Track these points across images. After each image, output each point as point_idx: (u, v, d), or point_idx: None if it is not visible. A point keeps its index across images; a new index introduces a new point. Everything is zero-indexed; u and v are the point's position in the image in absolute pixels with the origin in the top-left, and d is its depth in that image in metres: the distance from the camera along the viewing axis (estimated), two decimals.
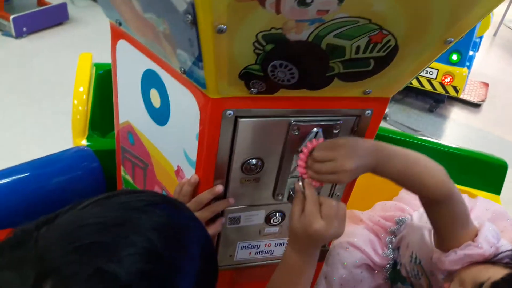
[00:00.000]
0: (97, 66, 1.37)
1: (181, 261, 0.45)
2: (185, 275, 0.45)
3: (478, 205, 1.03)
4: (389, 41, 0.55)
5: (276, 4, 0.48)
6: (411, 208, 1.07)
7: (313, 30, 0.52)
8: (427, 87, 2.88)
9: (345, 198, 0.80)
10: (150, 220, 0.44)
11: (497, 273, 0.72)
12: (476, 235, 0.76)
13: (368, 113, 0.68)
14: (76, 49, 2.00)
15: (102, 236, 0.41)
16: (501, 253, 0.75)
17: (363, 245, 1.02)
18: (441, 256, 0.79)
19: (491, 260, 0.75)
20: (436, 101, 3.08)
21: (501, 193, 1.21)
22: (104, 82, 1.32)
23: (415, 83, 2.88)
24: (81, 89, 1.26)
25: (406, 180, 0.72)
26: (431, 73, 2.81)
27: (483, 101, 3.22)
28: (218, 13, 0.48)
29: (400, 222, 1.04)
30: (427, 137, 2.69)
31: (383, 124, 0.96)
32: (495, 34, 4.62)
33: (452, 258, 0.76)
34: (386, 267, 1.02)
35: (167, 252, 0.43)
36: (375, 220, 1.07)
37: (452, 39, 0.57)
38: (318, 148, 0.65)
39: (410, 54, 0.58)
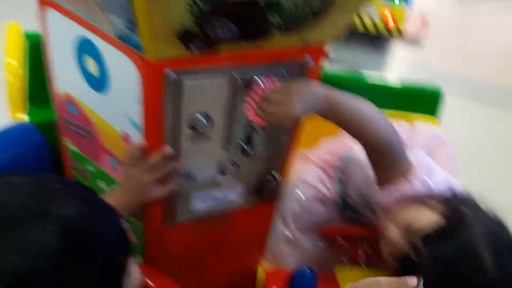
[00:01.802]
0: (29, 36, 1.28)
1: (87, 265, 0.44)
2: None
3: (417, 132, 1.11)
4: None
5: None
6: (355, 144, 1.15)
7: None
8: (370, 28, 2.95)
9: (293, 141, 0.85)
10: (56, 215, 0.43)
11: (430, 221, 0.76)
12: (411, 173, 0.83)
13: (309, 62, 0.71)
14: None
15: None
16: (435, 195, 0.81)
17: (313, 181, 1.10)
18: (377, 192, 0.86)
19: (426, 201, 0.81)
20: (379, 40, 3.18)
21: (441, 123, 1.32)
22: (37, 52, 1.25)
23: (358, 25, 2.93)
24: (14, 63, 1.19)
25: (350, 129, 0.77)
26: (373, 14, 2.88)
27: (424, 36, 3.37)
28: None
29: (345, 159, 1.11)
30: (372, 75, 2.80)
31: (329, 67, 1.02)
32: None
33: (386, 196, 0.83)
34: (336, 200, 1.10)
35: (70, 250, 0.43)
36: (322, 158, 1.14)
37: None
38: (271, 89, 0.69)
39: (345, 2, 0.61)
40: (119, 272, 0.49)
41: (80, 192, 0.48)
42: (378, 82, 1.29)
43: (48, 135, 1.02)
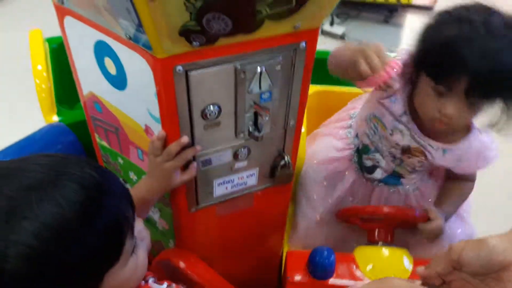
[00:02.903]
0: (49, 40, 1.39)
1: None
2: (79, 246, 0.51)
3: None
4: None
5: None
6: (358, 104, 1.21)
7: None
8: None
9: (299, 123, 0.90)
10: (73, 174, 0.52)
11: None
12: None
13: (302, 46, 0.76)
14: (23, 24, 1.95)
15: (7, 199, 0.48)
16: None
17: (326, 152, 1.15)
18: None
19: None
20: (390, 11, 3.13)
21: None
22: (60, 55, 1.35)
23: None
24: (39, 67, 1.29)
25: None
26: None
27: (435, 2, 3.28)
28: None
29: (353, 115, 1.17)
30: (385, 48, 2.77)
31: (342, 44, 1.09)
32: None
33: None
34: (351, 156, 1.15)
35: (88, 201, 0.51)
36: (331, 126, 1.20)
37: None
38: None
39: None
40: (126, 231, 0.58)
41: (89, 162, 0.57)
42: None
43: (79, 133, 1.11)
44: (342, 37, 2.99)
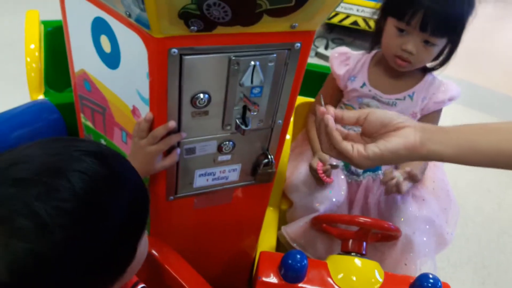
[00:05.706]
0: (45, 23, 1.38)
1: (106, 206, 0.50)
2: (110, 219, 0.50)
3: None
4: None
5: None
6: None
7: None
8: (374, 28, 3.00)
9: (286, 124, 0.91)
10: (79, 167, 0.49)
11: None
12: None
13: (297, 46, 0.78)
14: (19, 7, 1.94)
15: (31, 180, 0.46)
16: None
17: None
18: None
19: None
20: None
21: None
22: (54, 40, 1.35)
23: (362, 25, 2.98)
24: (32, 46, 1.28)
25: None
26: (375, 14, 2.93)
27: None
28: None
29: None
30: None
31: None
32: None
33: None
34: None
35: (93, 197, 0.49)
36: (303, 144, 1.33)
37: None
38: None
39: None
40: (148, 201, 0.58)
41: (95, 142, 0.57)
42: None
43: (65, 115, 1.10)
44: None
